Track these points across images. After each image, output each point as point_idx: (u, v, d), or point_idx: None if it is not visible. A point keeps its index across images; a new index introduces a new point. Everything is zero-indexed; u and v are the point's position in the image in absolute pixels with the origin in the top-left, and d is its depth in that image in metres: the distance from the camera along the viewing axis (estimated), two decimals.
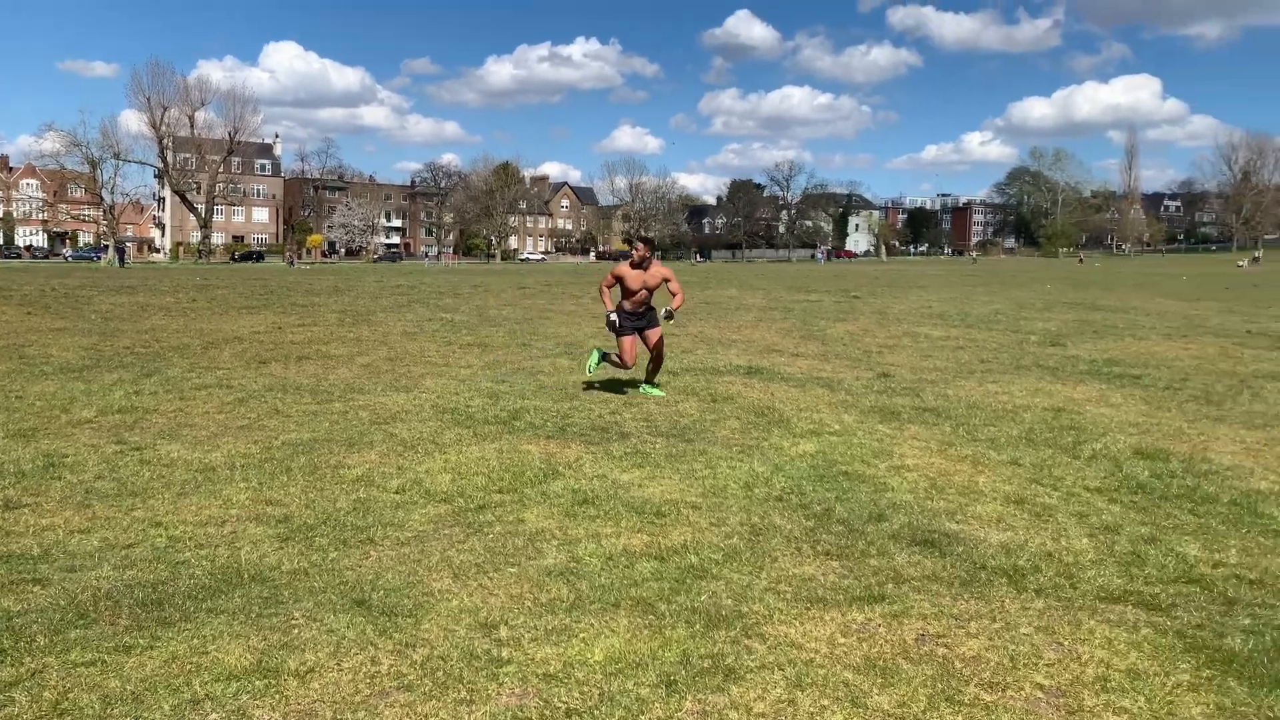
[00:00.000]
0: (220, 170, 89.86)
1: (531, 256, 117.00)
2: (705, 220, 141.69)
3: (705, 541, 4.64)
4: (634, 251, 8.84)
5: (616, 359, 8.95)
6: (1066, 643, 3.57)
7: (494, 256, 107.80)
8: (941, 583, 4.19)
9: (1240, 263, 73.43)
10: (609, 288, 8.93)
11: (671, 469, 6.08)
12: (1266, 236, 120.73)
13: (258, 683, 3.14)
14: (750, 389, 9.47)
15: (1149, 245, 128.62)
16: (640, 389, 9.06)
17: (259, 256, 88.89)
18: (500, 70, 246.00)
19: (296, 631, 3.53)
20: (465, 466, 6.05)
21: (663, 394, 8.93)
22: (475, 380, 9.77)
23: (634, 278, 8.74)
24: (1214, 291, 32.24)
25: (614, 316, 8.74)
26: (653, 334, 8.87)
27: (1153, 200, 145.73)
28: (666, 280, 8.83)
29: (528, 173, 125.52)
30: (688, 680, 3.19)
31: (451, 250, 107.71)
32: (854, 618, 3.76)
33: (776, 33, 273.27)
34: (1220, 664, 3.41)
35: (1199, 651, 3.51)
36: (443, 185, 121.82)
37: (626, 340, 8.81)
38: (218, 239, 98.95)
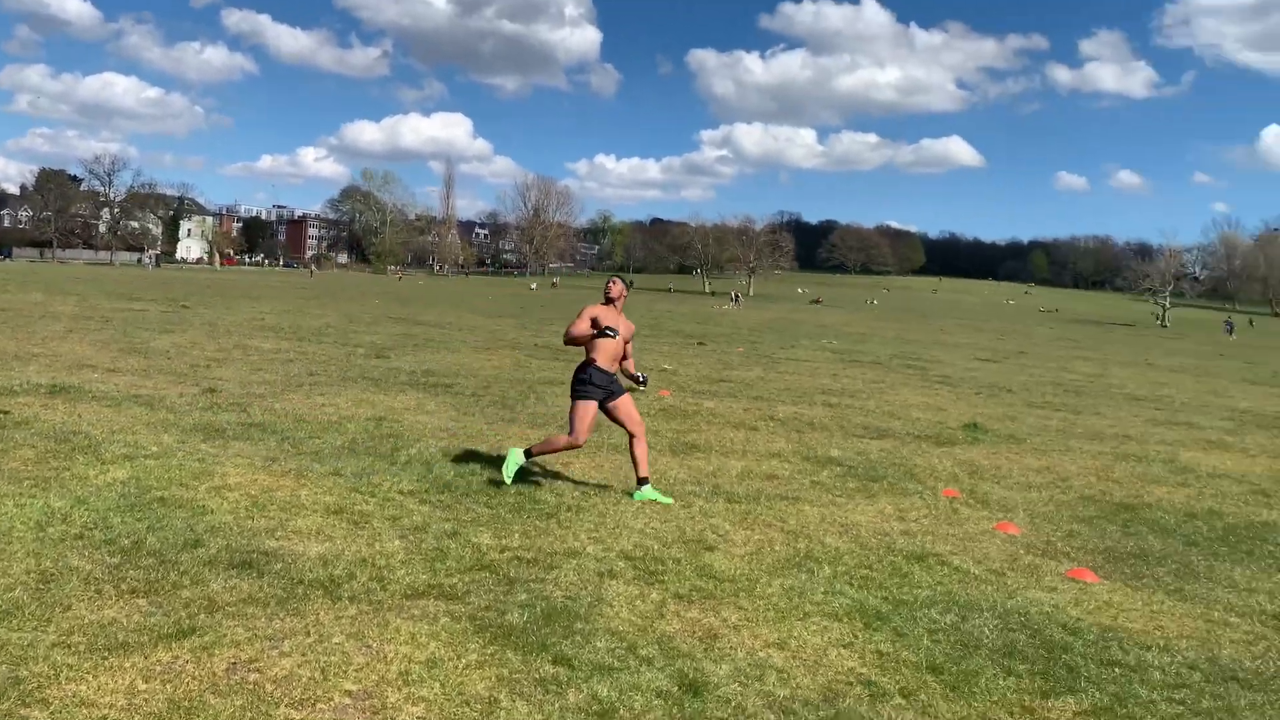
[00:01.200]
0: None
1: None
2: (5, 212, 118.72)
3: None
4: (609, 287, 6.57)
5: (559, 445, 6.50)
6: (375, 644, 3.67)
7: None
8: (258, 604, 4.01)
9: (532, 285, 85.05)
10: (581, 332, 6.39)
11: None
12: (551, 265, 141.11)
13: None
14: (52, 411, 8.12)
15: (463, 267, 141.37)
16: (637, 495, 6.38)
17: None
18: None
19: None
20: None
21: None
22: None
23: (606, 315, 6.42)
24: (512, 310, 36.67)
25: (611, 331, 6.30)
26: (624, 404, 6.45)
27: (466, 227, 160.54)
28: (629, 338, 6.64)
29: None
30: None
31: None
32: (159, 658, 3.40)
33: (98, 11, 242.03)
34: (502, 639, 3.81)
35: (486, 631, 3.88)
36: None
37: (588, 408, 6.32)
38: None
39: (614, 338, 6.35)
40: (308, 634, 3.73)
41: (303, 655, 3.52)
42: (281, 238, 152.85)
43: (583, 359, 6.50)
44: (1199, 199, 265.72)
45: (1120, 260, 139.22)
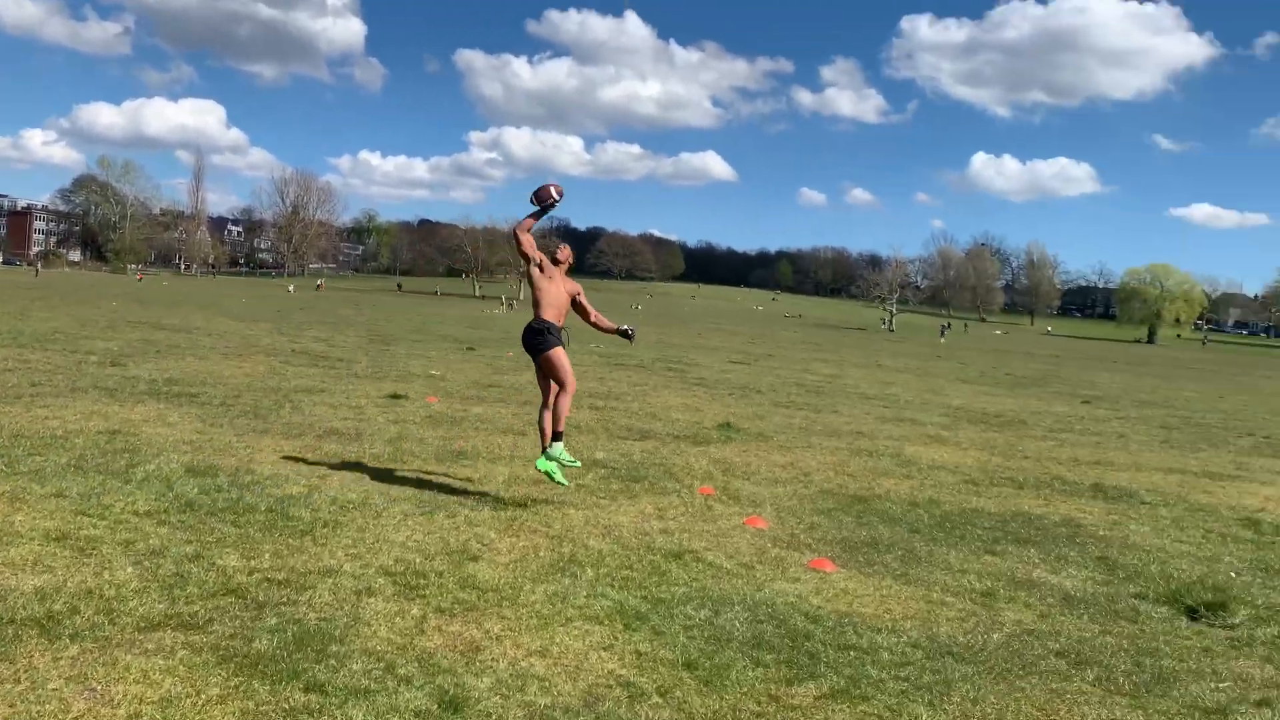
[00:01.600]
0: None
1: None
2: None
3: None
4: (559, 250, 6.84)
5: (565, 406, 6.70)
6: (100, 686, 3.29)
7: None
8: None
9: (290, 287, 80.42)
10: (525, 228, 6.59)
11: None
12: (312, 265, 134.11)
13: None
14: None
15: (213, 267, 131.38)
16: (542, 462, 6.66)
17: None
18: None
19: None
20: None
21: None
22: None
23: (555, 272, 6.72)
24: (267, 314, 34.48)
25: (557, 196, 6.55)
26: (549, 359, 6.59)
27: (218, 223, 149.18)
28: (577, 295, 6.86)
29: None
30: None
31: None
32: None
33: None
34: (248, 669, 3.53)
35: (230, 661, 3.58)
36: None
37: (561, 354, 6.56)
38: None
39: (555, 200, 6.56)
40: (18, 681, 3.28)
41: (11, 706, 3.10)
42: (2, 231, 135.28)
43: (533, 316, 6.67)
44: (921, 216, 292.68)
45: (855, 270, 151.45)
